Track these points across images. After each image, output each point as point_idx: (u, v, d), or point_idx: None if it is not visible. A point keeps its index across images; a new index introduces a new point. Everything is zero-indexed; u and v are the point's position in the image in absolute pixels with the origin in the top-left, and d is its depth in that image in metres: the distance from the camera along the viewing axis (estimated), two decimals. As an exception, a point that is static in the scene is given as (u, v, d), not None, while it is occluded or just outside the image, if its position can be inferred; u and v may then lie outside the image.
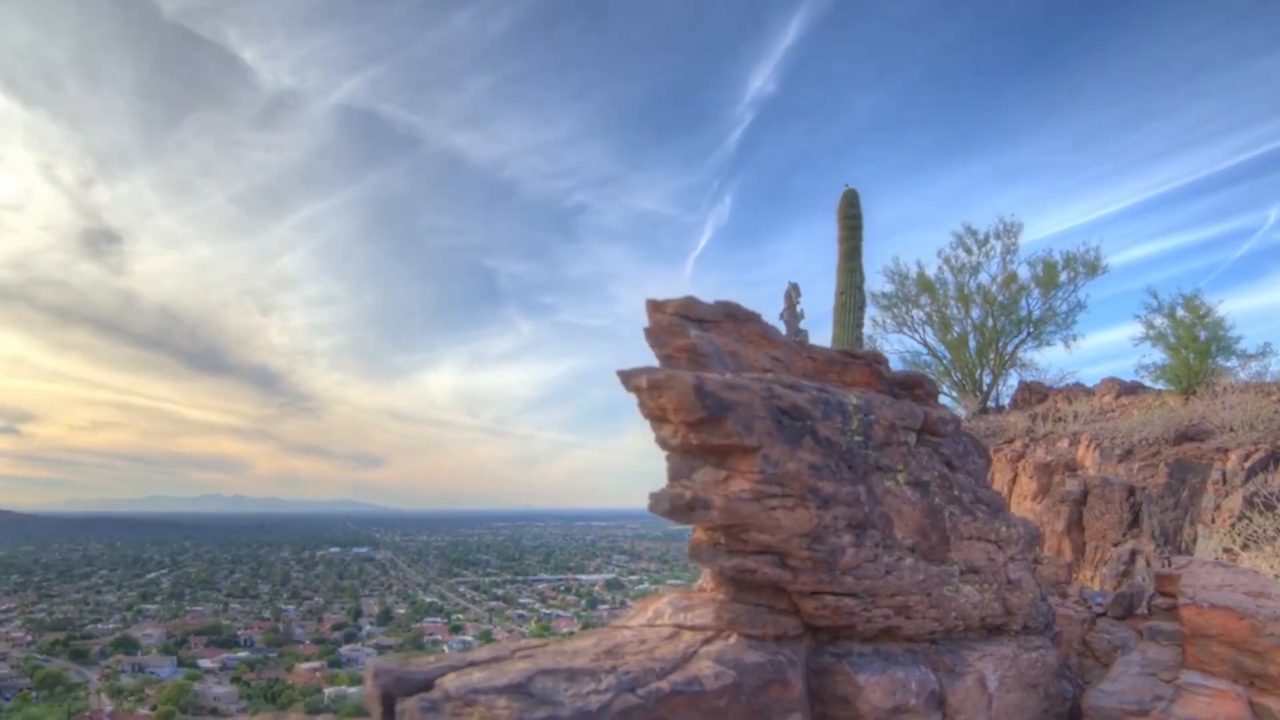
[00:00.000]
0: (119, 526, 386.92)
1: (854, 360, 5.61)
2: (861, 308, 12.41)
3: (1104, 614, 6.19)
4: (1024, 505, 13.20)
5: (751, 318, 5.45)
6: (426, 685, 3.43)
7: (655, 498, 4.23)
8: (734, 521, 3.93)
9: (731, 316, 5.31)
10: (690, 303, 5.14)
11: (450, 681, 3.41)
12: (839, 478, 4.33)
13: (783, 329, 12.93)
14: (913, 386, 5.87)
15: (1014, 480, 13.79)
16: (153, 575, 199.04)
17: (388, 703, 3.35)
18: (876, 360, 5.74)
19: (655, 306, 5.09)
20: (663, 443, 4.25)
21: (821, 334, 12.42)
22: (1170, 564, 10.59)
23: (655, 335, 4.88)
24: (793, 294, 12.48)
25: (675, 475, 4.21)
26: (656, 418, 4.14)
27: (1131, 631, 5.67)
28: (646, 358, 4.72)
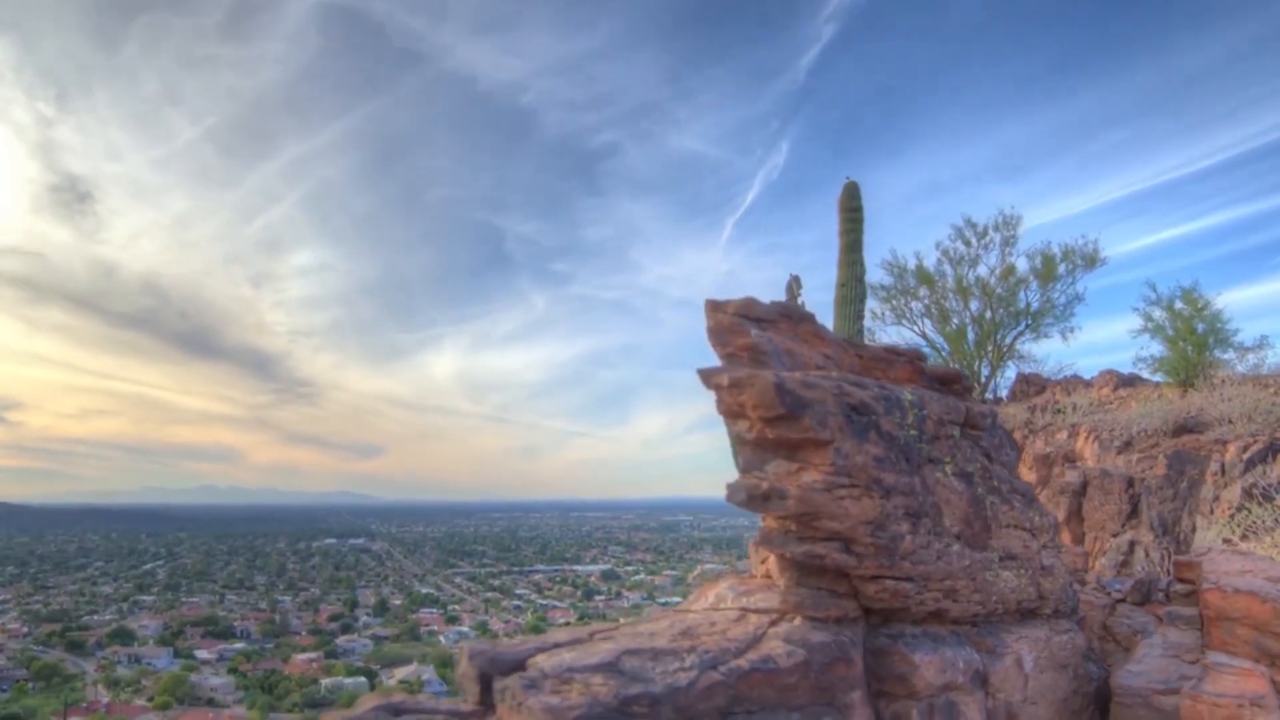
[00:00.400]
0: (115, 518, 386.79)
1: (897, 357, 6.01)
2: (862, 300, 12.48)
3: (1123, 600, 6.36)
4: (1024, 496, 13.28)
5: (806, 317, 5.83)
6: (519, 665, 3.67)
7: (732, 488, 4.47)
8: (807, 510, 4.21)
9: (787, 316, 5.70)
10: (750, 303, 5.53)
11: (543, 661, 3.63)
12: (898, 469, 4.65)
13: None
14: (950, 382, 6.17)
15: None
16: (149, 566, 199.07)
17: (485, 681, 3.56)
18: (917, 357, 6.12)
19: (716, 307, 5.47)
20: (737, 437, 4.56)
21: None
22: (1172, 554, 10.68)
23: (718, 334, 5.19)
24: (794, 286, 12.55)
25: (748, 467, 4.50)
26: (733, 414, 4.45)
27: (1150, 617, 5.89)
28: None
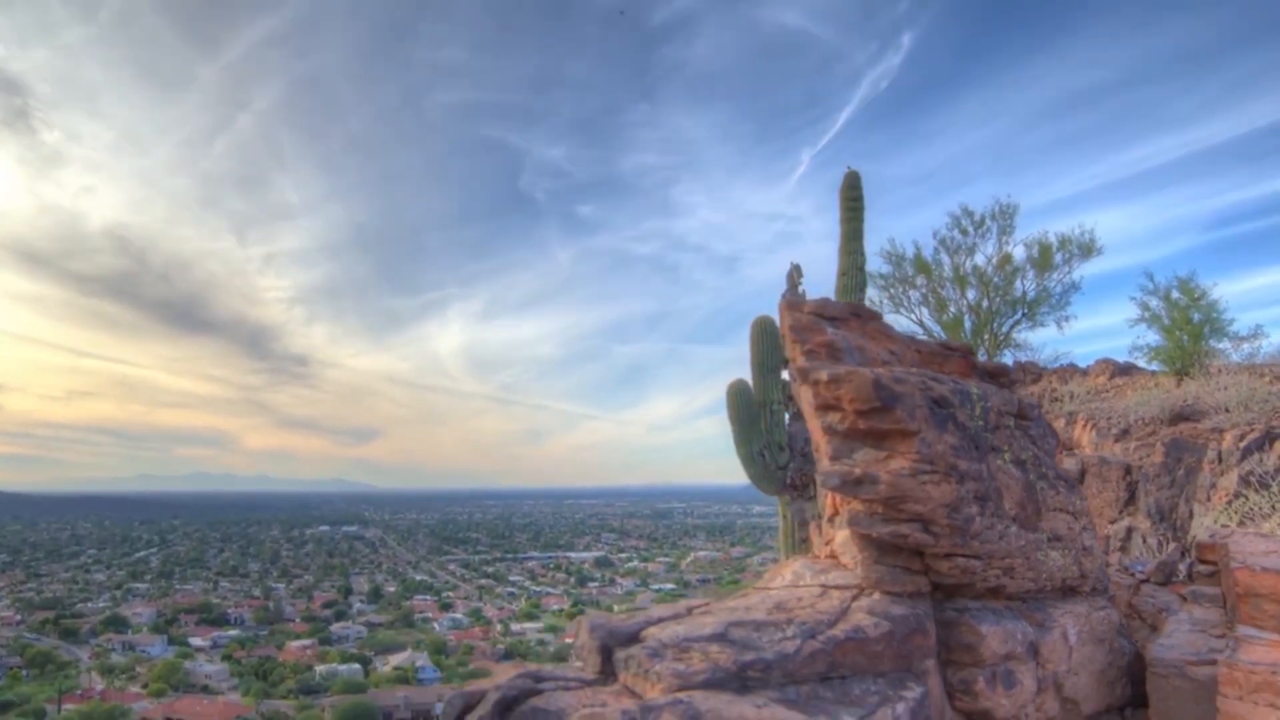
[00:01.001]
0: (107, 505, 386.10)
1: (951, 352, 6.53)
2: (863, 289, 12.54)
3: (1146, 580, 6.75)
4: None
5: (874, 316, 6.46)
6: (634, 637, 4.08)
7: (825, 474, 4.99)
8: (895, 494, 4.65)
9: (856, 315, 6.30)
10: (824, 303, 6.20)
11: (657, 633, 4.03)
12: (970, 457, 5.05)
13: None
14: (998, 375, 6.67)
15: (1011, 461, 13.94)
16: (142, 554, 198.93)
17: (605, 653, 3.93)
18: (969, 352, 6.68)
19: (793, 306, 6.13)
20: (828, 428, 4.99)
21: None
22: (1169, 540, 10.78)
23: (798, 332, 5.78)
24: (795, 274, 12.58)
25: (837, 455, 4.95)
26: (828, 406, 4.93)
27: (1174, 596, 6.27)
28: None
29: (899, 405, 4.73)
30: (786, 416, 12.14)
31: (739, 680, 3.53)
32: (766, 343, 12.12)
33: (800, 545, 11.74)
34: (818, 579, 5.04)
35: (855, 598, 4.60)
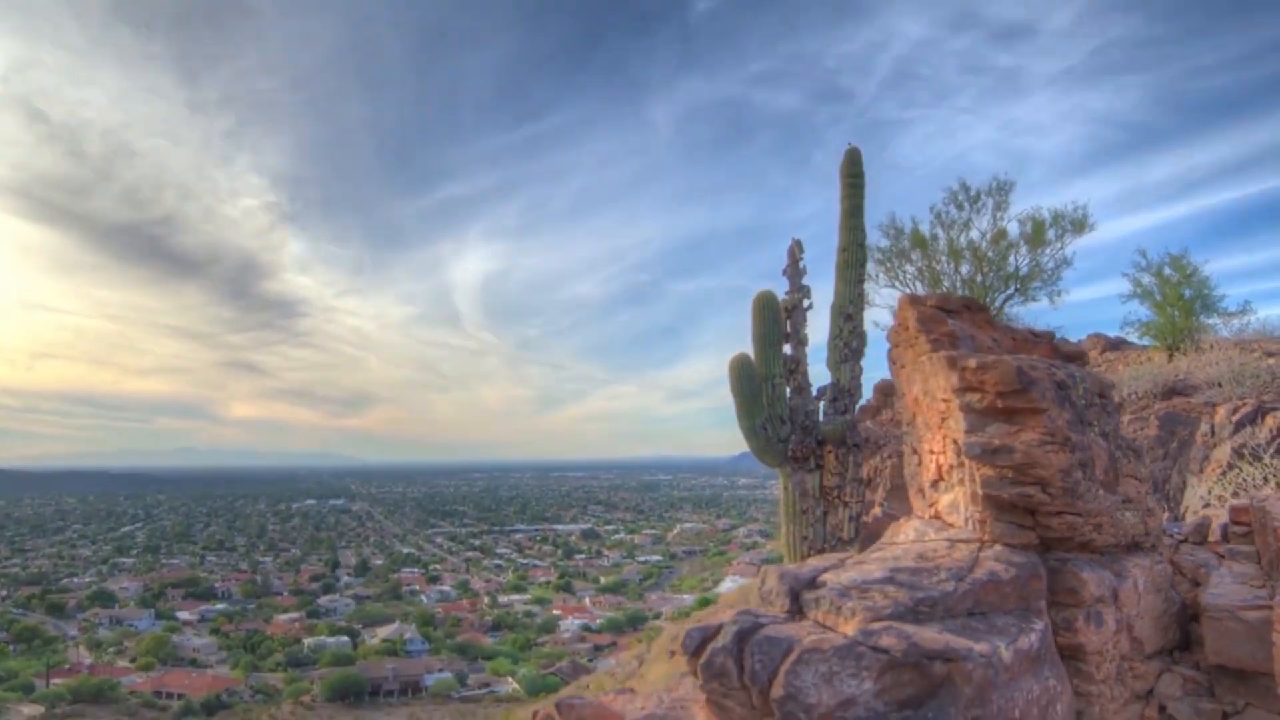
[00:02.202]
0: (91, 481, 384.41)
1: (1038, 339, 7.51)
2: (863, 264, 12.60)
3: (1184, 540, 7.48)
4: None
5: (982, 308, 7.53)
6: (813, 582, 4.72)
7: (969, 445, 5.84)
8: (1026, 461, 5.53)
9: (968, 307, 7.35)
10: (945, 297, 7.27)
11: (834, 578, 4.71)
12: (1077, 430, 5.91)
13: (785, 284, 13.06)
14: (1075, 357, 7.62)
15: (1007, 435, 14.13)
16: (127, 529, 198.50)
17: (793, 595, 4.58)
18: (1051, 337, 7.67)
19: (916, 300, 7.16)
20: (967, 406, 5.93)
21: (823, 288, 12.65)
22: (1183, 507, 11.07)
23: (924, 322, 6.91)
24: (795, 250, 12.62)
25: (971, 429, 5.88)
26: (971, 388, 5.86)
27: (1210, 554, 7.02)
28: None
29: (1033, 388, 5.69)
30: (788, 390, 12.23)
31: (914, 614, 4.33)
32: (768, 317, 12.18)
33: (801, 516, 11.88)
34: (940, 535, 5.81)
35: (980, 549, 5.38)
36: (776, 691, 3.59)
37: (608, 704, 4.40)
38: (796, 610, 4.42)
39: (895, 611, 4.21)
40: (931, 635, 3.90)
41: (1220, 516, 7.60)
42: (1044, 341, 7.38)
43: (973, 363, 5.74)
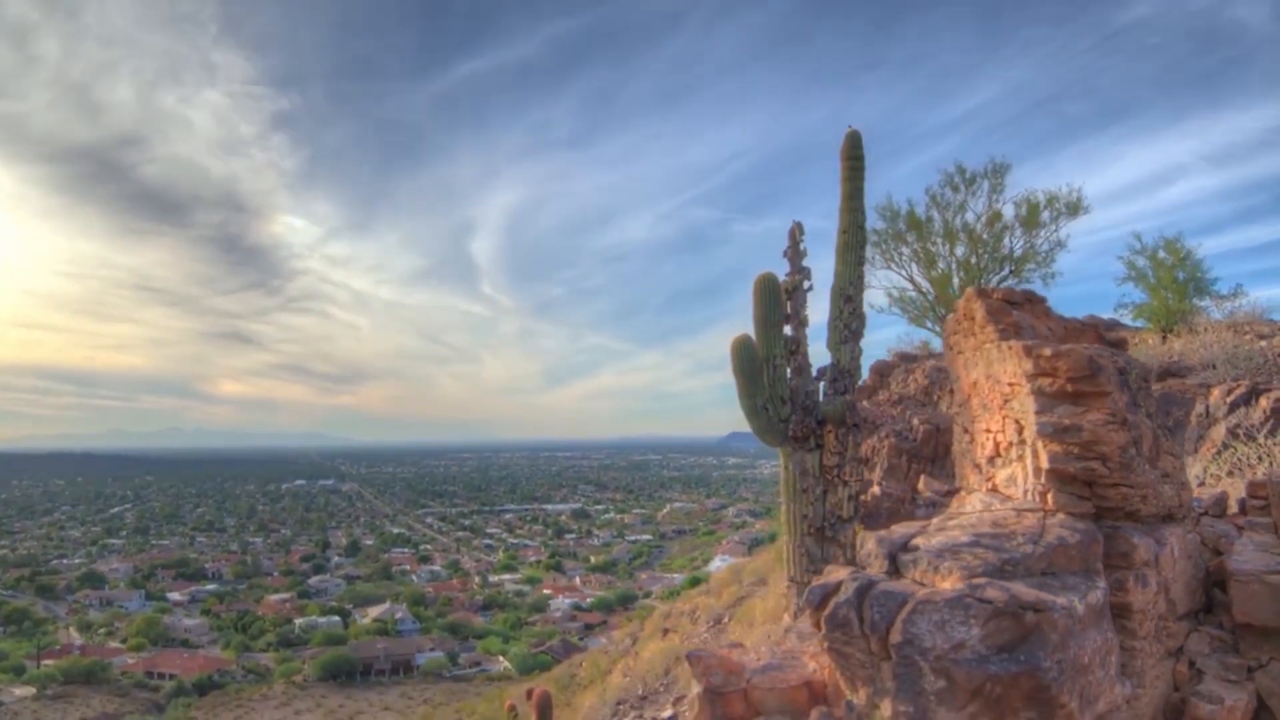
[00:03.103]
0: (78, 463, 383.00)
1: (1086, 328, 8.29)
2: (862, 246, 12.66)
3: (1205, 513, 7.91)
4: (1013, 439, 13.68)
5: (1040, 300, 8.36)
6: (906, 546, 5.25)
7: (1041, 424, 6.36)
8: (1092, 439, 6.08)
9: (1029, 300, 8.21)
10: (1009, 291, 8.19)
11: (924, 542, 5.26)
12: (1132, 411, 6.54)
13: (786, 266, 13.10)
14: (1119, 344, 8.45)
15: (1003, 415, 14.31)
16: (116, 510, 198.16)
17: (890, 558, 5.12)
18: (1096, 325, 8.53)
19: (984, 293, 8.16)
20: (1038, 390, 6.48)
21: (823, 269, 12.71)
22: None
23: (992, 314, 7.66)
24: (796, 232, 12.67)
25: (1042, 410, 6.41)
26: (1044, 373, 6.42)
27: (1229, 526, 7.49)
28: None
29: (1101, 374, 6.27)
30: (788, 371, 12.30)
31: (1000, 572, 4.86)
32: (769, 299, 12.24)
33: (801, 494, 11.99)
34: (1006, 505, 6.42)
35: (1046, 518, 5.98)
36: (895, 638, 4.26)
37: (728, 655, 4.91)
38: (894, 571, 5.01)
39: (986, 570, 4.85)
40: (1024, 589, 4.56)
41: (1237, 491, 8.20)
42: (1091, 329, 8.18)
43: (1047, 351, 6.39)
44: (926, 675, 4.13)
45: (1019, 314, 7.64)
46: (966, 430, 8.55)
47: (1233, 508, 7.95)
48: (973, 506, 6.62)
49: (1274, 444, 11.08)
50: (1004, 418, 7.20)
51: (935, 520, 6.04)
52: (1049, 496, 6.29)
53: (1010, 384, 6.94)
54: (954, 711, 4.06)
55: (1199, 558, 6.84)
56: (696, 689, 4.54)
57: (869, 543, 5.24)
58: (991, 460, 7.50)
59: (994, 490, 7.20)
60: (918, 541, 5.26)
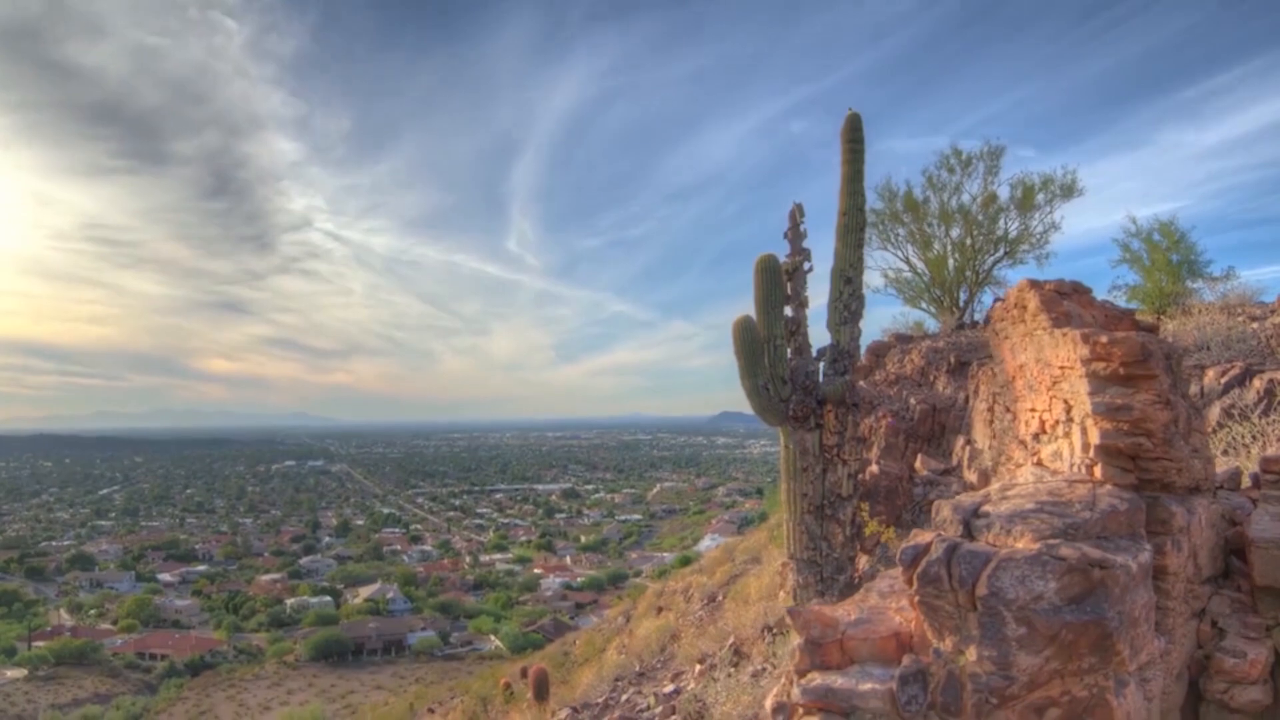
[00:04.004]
0: (65, 444, 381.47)
1: (1125, 314, 8.94)
2: (862, 228, 12.74)
3: (1221, 486, 8.34)
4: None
5: (1086, 290, 8.99)
6: (977, 512, 5.76)
7: (1096, 403, 6.90)
8: (1141, 417, 6.70)
9: (1076, 290, 8.78)
10: (1060, 283, 8.77)
11: (994, 509, 5.81)
12: (1173, 392, 7.10)
13: (786, 248, 13.17)
14: (1152, 329, 8.79)
15: (999, 392, 14.44)
16: (105, 491, 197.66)
17: (964, 522, 5.62)
18: (1132, 314, 9.08)
19: (1036, 284, 8.72)
20: (1093, 373, 7.04)
21: (823, 250, 12.79)
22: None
23: (1045, 303, 8.26)
24: (796, 214, 12.73)
25: (1095, 391, 7.00)
26: (1099, 358, 6.97)
27: (1244, 498, 8.01)
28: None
29: (1151, 359, 6.80)
30: (789, 351, 12.40)
31: (1064, 535, 5.33)
32: (769, 280, 12.32)
33: (801, 473, 12.11)
34: (1056, 478, 6.99)
35: (1095, 488, 6.49)
36: (981, 590, 4.80)
37: (823, 611, 5.38)
38: (967, 535, 5.47)
39: (1053, 533, 5.33)
40: (1090, 549, 5.15)
41: (1250, 466, 8.86)
42: (1128, 316, 8.89)
43: (1104, 338, 6.95)
44: (1009, 623, 4.76)
45: (1067, 302, 8.27)
46: (1009, 409, 9.43)
47: (1246, 482, 8.52)
48: (1026, 478, 7.12)
49: (1267, 423, 11.27)
50: (1052, 398, 7.90)
51: (994, 490, 6.55)
52: (1096, 469, 6.88)
53: (1062, 367, 7.59)
54: (1033, 655, 4.73)
55: (1219, 527, 7.45)
56: (798, 640, 5.13)
57: (944, 510, 5.76)
58: (1036, 436, 8.30)
59: (1039, 464, 7.91)
60: (987, 508, 5.79)
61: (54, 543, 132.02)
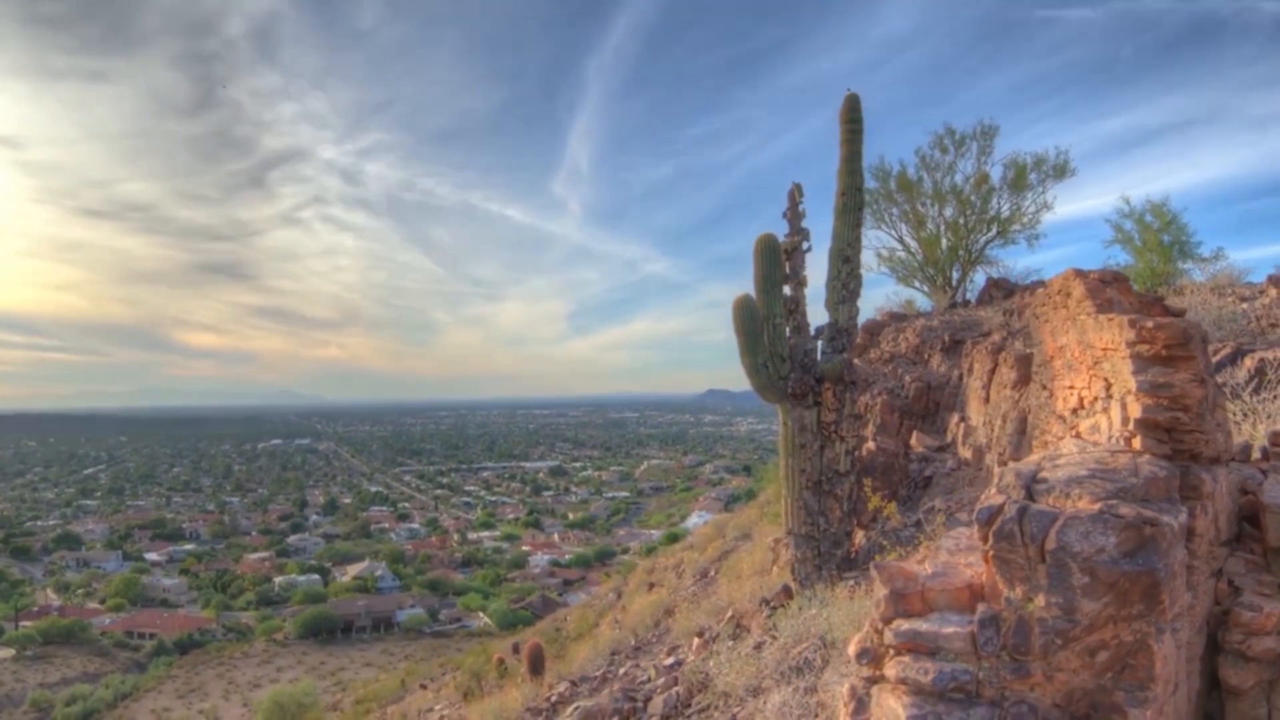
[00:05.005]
0: (49, 424, 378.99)
1: (1155, 300, 9.93)
2: (861, 208, 12.86)
3: (1232, 459, 8.69)
4: (1004, 393, 13.96)
5: (1124, 279, 9.82)
6: (1036, 478, 6.25)
7: (1140, 381, 7.49)
8: (1180, 394, 7.27)
9: (1117, 279, 9.63)
10: (1104, 272, 9.61)
11: (1051, 475, 6.29)
12: (1207, 369, 7.64)
13: (785, 227, 13.26)
14: (1179, 314, 9.90)
15: (994, 370, 14.57)
16: (90, 471, 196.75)
17: (1025, 487, 6.05)
18: (1161, 300, 10.27)
19: (1081, 274, 9.47)
20: (1136, 354, 7.67)
21: (822, 230, 12.89)
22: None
23: (1091, 291, 8.94)
24: (795, 194, 12.82)
25: (1138, 371, 7.62)
26: (1144, 341, 7.59)
27: (1254, 469, 8.55)
28: None
29: (1191, 342, 7.37)
30: (788, 330, 12.52)
31: (1120, 496, 5.88)
32: (769, 260, 12.43)
33: (799, 450, 12.28)
34: (1098, 449, 7.53)
35: (1135, 457, 7.00)
36: (1050, 544, 5.42)
37: (904, 566, 5.97)
38: (1029, 497, 6.00)
39: (1107, 495, 5.89)
40: (1142, 509, 5.79)
41: (1260, 440, 9.51)
42: (1158, 302, 9.88)
43: (1150, 323, 7.57)
44: (1074, 573, 5.42)
45: (1109, 289, 9.09)
46: (1045, 387, 10.18)
47: (1255, 454, 9.17)
48: (1069, 449, 7.61)
49: (1258, 401, 11.46)
50: (1092, 377, 8.61)
51: (1043, 459, 7.05)
52: (1135, 440, 7.57)
53: (1104, 349, 8.29)
54: (1094, 601, 5.38)
55: (1234, 495, 8.09)
56: (883, 591, 5.76)
57: (1008, 475, 6.28)
58: (1075, 411, 9.06)
59: (1078, 437, 8.55)
60: (1045, 474, 6.33)
61: (39, 522, 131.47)
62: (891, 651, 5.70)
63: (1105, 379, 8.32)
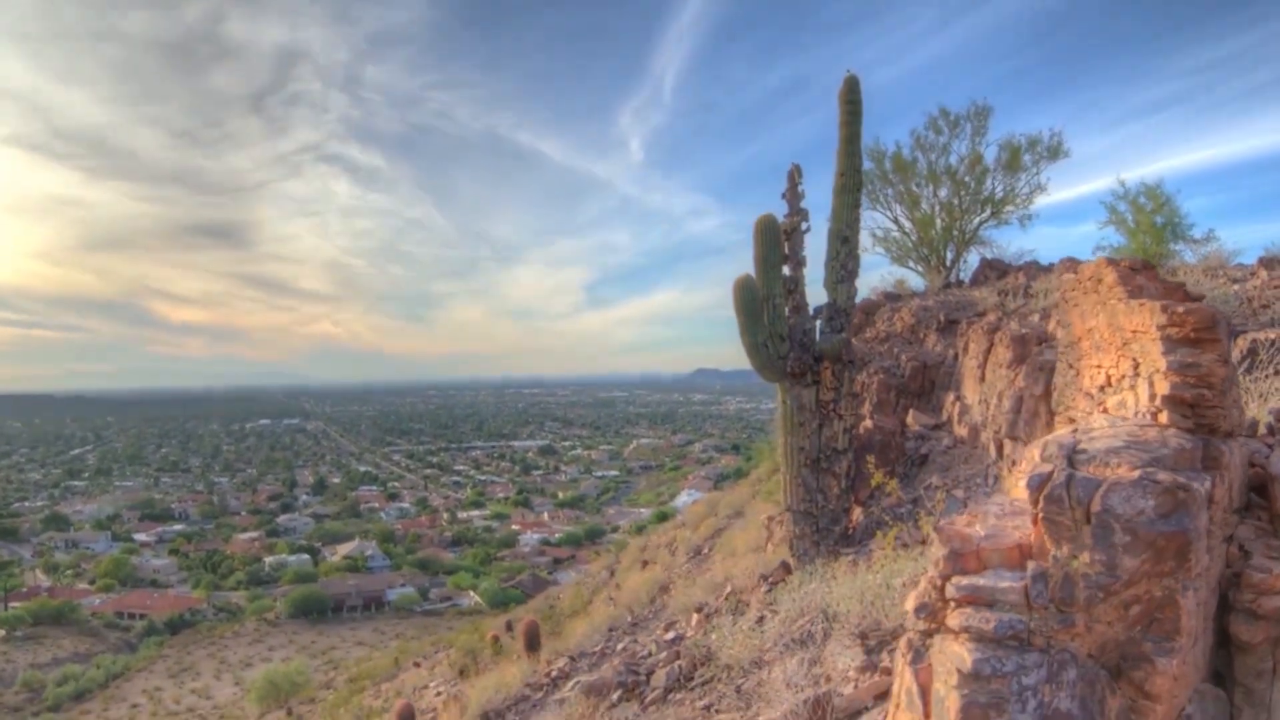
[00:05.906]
0: (35, 405, 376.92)
1: (1177, 286, 10.23)
2: (859, 189, 12.98)
3: (1242, 434, 9.14)
4: (999, 372, 14.13)
5: (1152, 267, 10.34)
6: (1075, 449, 6.65)
7: (1171, 361, 7.75)
8: (1206, 372, 7.61)
9: (1146, 266, 10.24)
10: (1134, 259, 10.20)
11: (1089, 446, 6.74)
12: (1227, 350, 7.96)
13: (785, 207, 13.35)
14: (1199, 299, 9.97)
15: (989, 350, 14.72)
16: (77, 452, 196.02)
17: (1067, 457, 6.46)
18: (1183, 286, 10.44)
19: (1113, 262, 10.01)
20: (1166, 337, 7.97)
21: (821, 212, 13.00)
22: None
23: (1123, 278, 9.46)
24: (795, 174, 12.91)
25: (1167, 351, 7.94)
26: (1174, 324, 7.88)
27: (1260, 444, 8.96)
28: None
29: (1217, 326, 7.76)
30: (787, 309, 12.64)
31: (1154, 466, 6.37)
32: (769, 240, 12.54)
33: (798, 428, 12.45)
34: (1127, 423, 8.01)
35: (1163, 430, 7.49)
36: (1095, 507, 6.01)
37: (961, 528, 6.53)
38: (1070, 466, 6.53)
39: (1143, 463, 6.43)
40: (1178, 475, 6.38)
41: (1265, 417, 9.86)
42: (1179, 287, 10.25)
43: (1181, 308, 7.97)
44: (1117, 533, 6.00)
45: (1139, 275, 9.72)
46: (1072, 366, 10.76)
47: (1261, 430, 9.66)
48: (1100, 424, 8.10)
49: (1250, 380, 11.66)
50: (1120, 357, 9.15)
51: (1079, 432, 7.54)
52: (1161, 416, 7.96)
53: (1134, 331, 8.76)
54: (1134, 559, 5.99)
55: (1245, 467, 8.54)
56: (943, 550, 6.34)
57: (1051, 446, 6.85)
58: (1102, 389, 9.60)
59: (1105, 412, 9.15)
60: (1084, 446, 6.86)
61: (26, 504, 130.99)
62: (953, 604, 6.30)
63: (1134, 359, 8.89)
